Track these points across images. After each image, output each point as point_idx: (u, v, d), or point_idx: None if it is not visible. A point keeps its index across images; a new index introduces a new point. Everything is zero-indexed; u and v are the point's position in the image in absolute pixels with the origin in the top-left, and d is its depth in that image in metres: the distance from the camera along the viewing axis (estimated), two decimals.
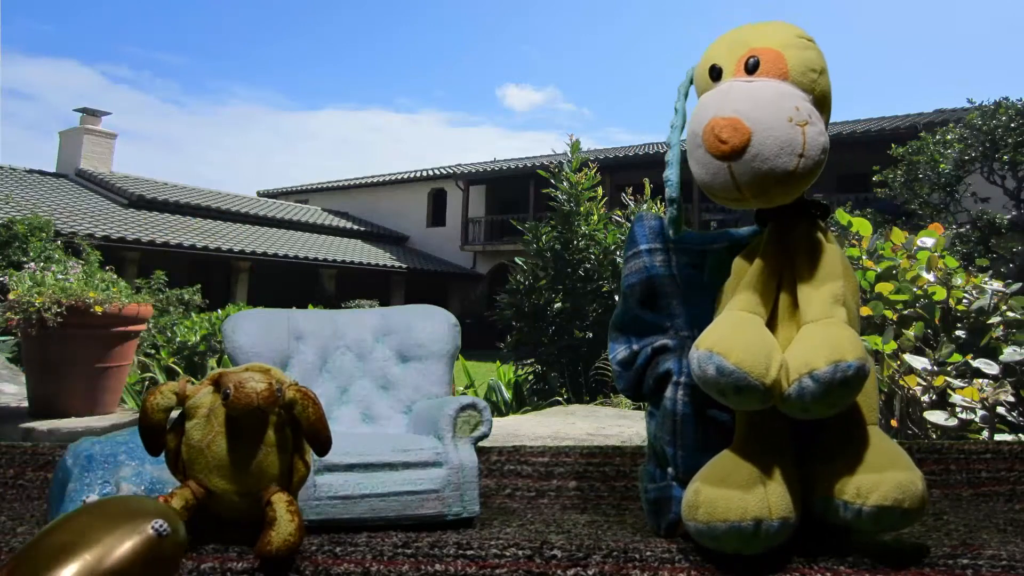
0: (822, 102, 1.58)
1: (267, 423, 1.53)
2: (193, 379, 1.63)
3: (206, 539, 1.49)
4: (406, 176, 23.36)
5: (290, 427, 1.56)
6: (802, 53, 1.58)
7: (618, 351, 1.82)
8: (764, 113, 1.47)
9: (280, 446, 1.54)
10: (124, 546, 1.12)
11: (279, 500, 1.47)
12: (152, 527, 1.17)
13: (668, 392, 1.67)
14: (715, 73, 1.63)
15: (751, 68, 1.57)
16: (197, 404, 1.54)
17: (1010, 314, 3.10)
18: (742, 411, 1.52)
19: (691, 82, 1.74)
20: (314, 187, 25.65)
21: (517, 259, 7.18)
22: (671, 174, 1.69)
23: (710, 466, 1.50)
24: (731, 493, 1.42)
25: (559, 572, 1.38)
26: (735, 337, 1.45)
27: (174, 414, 1.60)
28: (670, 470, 1.67)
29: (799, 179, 1.49)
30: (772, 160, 1.46)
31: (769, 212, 1.62)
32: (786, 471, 1.48)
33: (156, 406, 1.51)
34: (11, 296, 3.36)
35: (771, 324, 1.56)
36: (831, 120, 1.68)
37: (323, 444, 1.56)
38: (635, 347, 1.79)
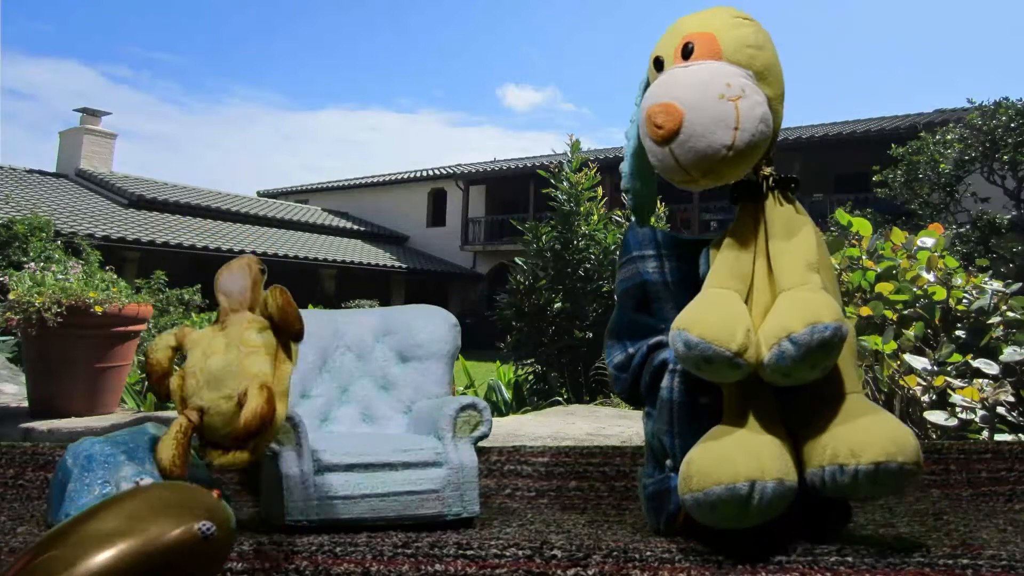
0: (765, 75, 1.63)
1: (245, 329, 1.59)
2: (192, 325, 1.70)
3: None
4: (406, 176, 23.35)
5: (271, 330, 1.61)
6: (736, 32, 1.64)
7: (614, 356, 1.85)
8: (693, 94, 1.54)
9: (263, 349, 1.58)
10: (167, 540, 1.10)
11: (252, 384, 1.49)
12: (199, 528, 1.14)
13: (664, 381, 1.70)
14: (659, 65, 1.71)
15: (687, 54, 1.64)
16: (195, 341, 1.62)
17: (1010, 314, 3.10)
18: (729, 387, 1.55)
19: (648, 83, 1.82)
20: (314, 187, 25.63)
21: (517, 259, 7.17)
22: (624, 166, 1.80)
23: (701, 440, 1.53)
24: (723, 456, 1.45)
25: (559, 572, 1.38)
26: (701, 312, 1.51)
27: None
28: (668, 462, 1.69)
29: (741, 152, 1.54)
30: (708, 136, 1.52)
31: (741, 189, 1.69)
32: (777, 438, 1.50)
33: (156, 362, 1.62)
34: (11, 296, 3.35)
35: (751, 296, 1.61)
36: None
37: (296, 329, 1.60)
38: (630, 350, 1.82)
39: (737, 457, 1.43)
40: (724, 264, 1.64)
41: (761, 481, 1.40)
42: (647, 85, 1.80)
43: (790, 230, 1.62)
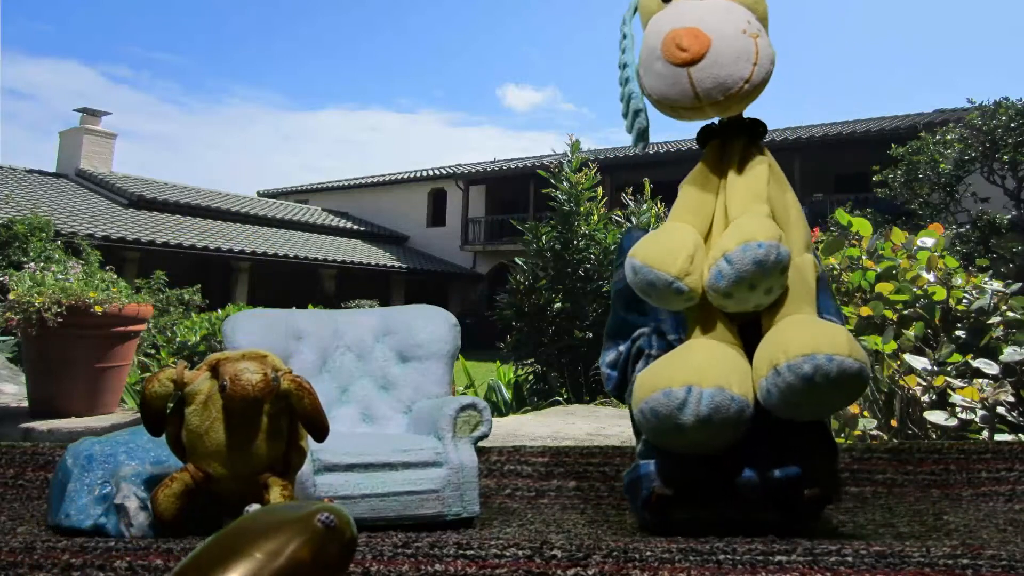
0: (764, 23, 1.68)
1: (262, 410, 1.56)
2: (190, 364, 1.66)
3: (207, 521, 1.51)
4: (406, 176, 23.35)
5: (286, 415, 1.60)
6: None
7: (608, 355, 1.90)
8: (721, 23, 1.58)
9: (276, 433, 1.58)
10: (294, 543, 1.10)
11: (275, 484, 1.54)
12: (318, 519, 1.15)
13: (640, 365, 1.73)
14: None
15: None
16: (195, 390, 1.58)
17: (1010, 314, 3.10)
18: (691, 321, 1.61)
19: (635, 11, 1.85)
20: (314, 187, 25.63)
21: (517, 259, 7.17)
22: (635, 86, 1.74)
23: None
24: (664, 367, 1.51)
25: (559, 572, 1.38)
26: (650, 241, 1.58)
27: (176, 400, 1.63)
28: (639, 446, 1.72)
29: (755, 87, 1.59)
30: (729, 66, 1.56)
31: (710, 131, 1.74)
32: (727, 358, 1.51)
33: (155, 394, 1.56)
34: (11, 296, 3.35)
35: (712, 233, 1.66)
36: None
37: (320, 431, 1.60)
38: (621, 348, 1.87)
39: (675, 367, 1.47)
40: (684, 201, 1.69)
41: (698, 387, 1.41)
42: (631, 17, 1.83)
43: (745, 168, 1.67)
